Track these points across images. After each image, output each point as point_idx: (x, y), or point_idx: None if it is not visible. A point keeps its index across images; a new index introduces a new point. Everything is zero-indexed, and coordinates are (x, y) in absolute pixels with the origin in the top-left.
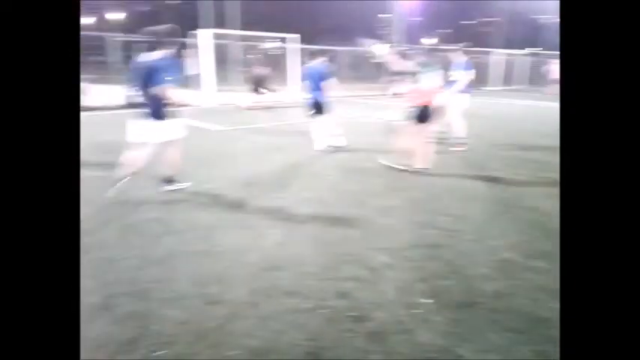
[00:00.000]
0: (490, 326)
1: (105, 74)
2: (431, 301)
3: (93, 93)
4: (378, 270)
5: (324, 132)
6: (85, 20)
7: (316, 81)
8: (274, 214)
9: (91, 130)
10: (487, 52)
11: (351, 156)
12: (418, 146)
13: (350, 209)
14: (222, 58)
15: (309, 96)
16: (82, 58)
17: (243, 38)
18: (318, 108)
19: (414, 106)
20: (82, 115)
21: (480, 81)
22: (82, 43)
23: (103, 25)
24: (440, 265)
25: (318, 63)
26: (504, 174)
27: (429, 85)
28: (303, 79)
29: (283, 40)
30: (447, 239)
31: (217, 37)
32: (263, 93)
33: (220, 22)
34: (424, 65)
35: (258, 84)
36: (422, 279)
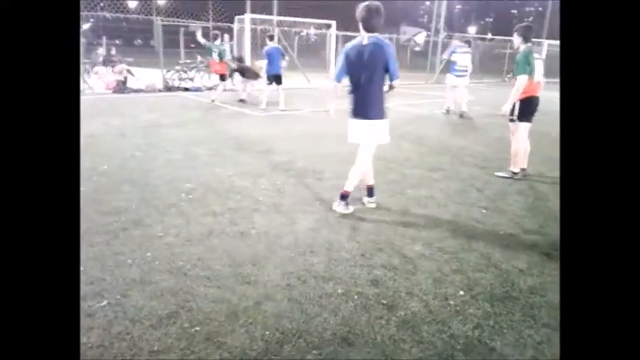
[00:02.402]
0: (526, 321)
1: (149, 58)
2: (463, 293)
3: (137, 76)
4: (412, 259)
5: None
6: (131, 4)
7: (275, 58)
8: (310, 198)
9: (134, 111)
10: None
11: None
12: (525, 145)
13: (387, 198)
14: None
15: (270, 70)
16: (127, 41)
17: (279, 24)
18: (276, 79)
19: (522, 100)
20: (126, 95)
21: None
22: (129, 25)
23: (146, 8)
24: (476, 258)
25: (276, 44)
26: (547, 168)
27: (537, 75)
28: (265, 57)
29: (327, 26)
30: (484, 232)
31: (253, 22)
32: None
33: (255, 7)
34: (531, 53)
35: None
36: (457, 270)
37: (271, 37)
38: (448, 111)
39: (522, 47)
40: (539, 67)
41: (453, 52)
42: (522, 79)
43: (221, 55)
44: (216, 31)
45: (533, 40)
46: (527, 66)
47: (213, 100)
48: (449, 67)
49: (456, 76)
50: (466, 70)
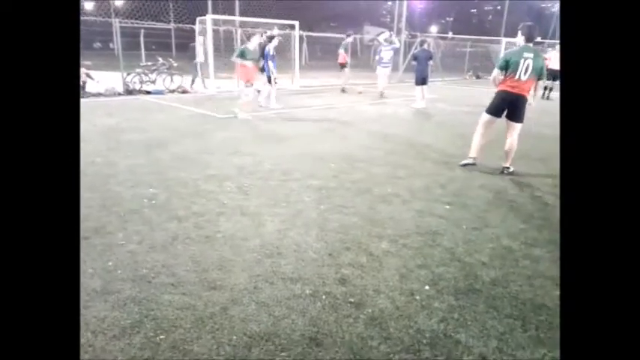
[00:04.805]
0: (489, 313)
1: (107, 61)
2: (428, 287)
3: (96, 79)
4: (379, 257)
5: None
6: (87, 5)
7: (265, 60)
8: (277, 200)
9: (93, 115)
10: (490, 41)
11: (354, 142)
12: (477, 135)
13: (352, 197)
14: (219, 45)
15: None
16: (85, 44)
17: (242, 24)
18: (267, 79)
19: (501, 94)
20: (85, 100)
21: (485, 70)
22: (86, 28)
23: (104, 10)
24: (440, 253)
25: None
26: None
27: (521, 74)
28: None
29: (291, 27)
30: (447, 227)
31: (216, 23)
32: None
33: (217, 8)
34: (517, 52)
35: None
36: (421, 266)
37: (270, 38)
38: (382, 94)
39: (521, 45)
40: (526, 66)
41: (381, 50)
42: (493, 73)
43: (249, 56)
44: (248, 29)
45: (491, 37)
46: (502, 62)
47: (235, 115)
48: (380, 61)
49: (382, 67)
50: (389, 63)
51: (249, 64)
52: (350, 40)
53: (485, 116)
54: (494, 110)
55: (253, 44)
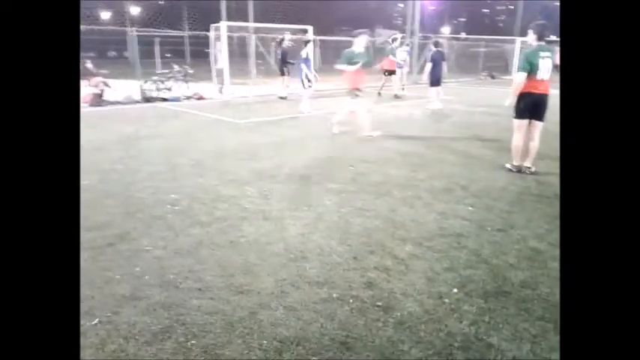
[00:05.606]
0: (520, 315)
1: (122, 69)
2: (457, 290)
3: (114, 88)
4: (404, 260)
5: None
6: (104, 15)
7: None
8: (298, 203)
9: (112, 124)
10: (503, 41)
11: (371, 144)
12: (516, 141)
13: (373, 200)
14: (234, 51)
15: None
16: (102, 53)
17: (256, 30)
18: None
19: (517, 96)
20: (104, 108)
21: (500, 70)
22: (103, 37)
23: (119, 19)
24: (466, 255)
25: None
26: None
27: (542, 73)
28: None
29: (304, 31)
30: (472, 229)
31: (230, 29)
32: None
33: (230, 14)
34: (536, 52)
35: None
36: (448, 269)
37: (306, 43)
38: (396, 96)
39: (534, 45)
40: (545, 65)
41: (394, 50)
42: (517, 76)
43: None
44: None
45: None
46: (525, 64)
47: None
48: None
49: (397, 67)
50: (404, 64)
51: (354, 68)
52: (394, 44)
53: (516, 122)
54: (523, 113)
55: (359, 46)
